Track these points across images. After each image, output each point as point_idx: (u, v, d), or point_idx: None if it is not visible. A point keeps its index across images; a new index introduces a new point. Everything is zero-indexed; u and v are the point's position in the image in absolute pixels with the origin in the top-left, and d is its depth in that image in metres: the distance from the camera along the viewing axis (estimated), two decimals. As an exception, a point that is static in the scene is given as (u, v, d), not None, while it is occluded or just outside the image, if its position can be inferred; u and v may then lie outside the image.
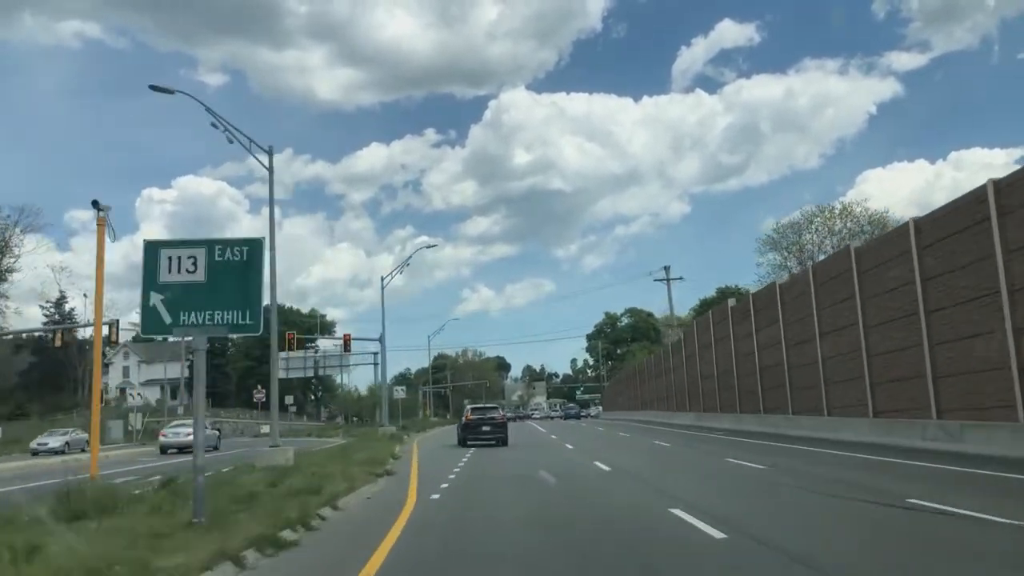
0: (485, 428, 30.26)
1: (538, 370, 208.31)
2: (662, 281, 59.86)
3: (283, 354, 67.01)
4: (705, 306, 68.89)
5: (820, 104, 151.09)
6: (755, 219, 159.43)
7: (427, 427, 59.89)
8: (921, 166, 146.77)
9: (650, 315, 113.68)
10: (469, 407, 34.24)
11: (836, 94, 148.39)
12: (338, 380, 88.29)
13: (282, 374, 65.37)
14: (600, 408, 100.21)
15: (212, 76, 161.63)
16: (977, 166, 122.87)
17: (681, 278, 73.85)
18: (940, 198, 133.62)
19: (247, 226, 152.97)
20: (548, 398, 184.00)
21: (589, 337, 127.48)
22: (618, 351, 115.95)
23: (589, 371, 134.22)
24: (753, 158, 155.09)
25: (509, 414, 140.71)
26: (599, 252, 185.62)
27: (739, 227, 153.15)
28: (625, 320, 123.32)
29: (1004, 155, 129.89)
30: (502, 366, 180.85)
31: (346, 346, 49.83)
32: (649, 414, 58.82)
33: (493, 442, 29.33)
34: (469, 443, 29.28)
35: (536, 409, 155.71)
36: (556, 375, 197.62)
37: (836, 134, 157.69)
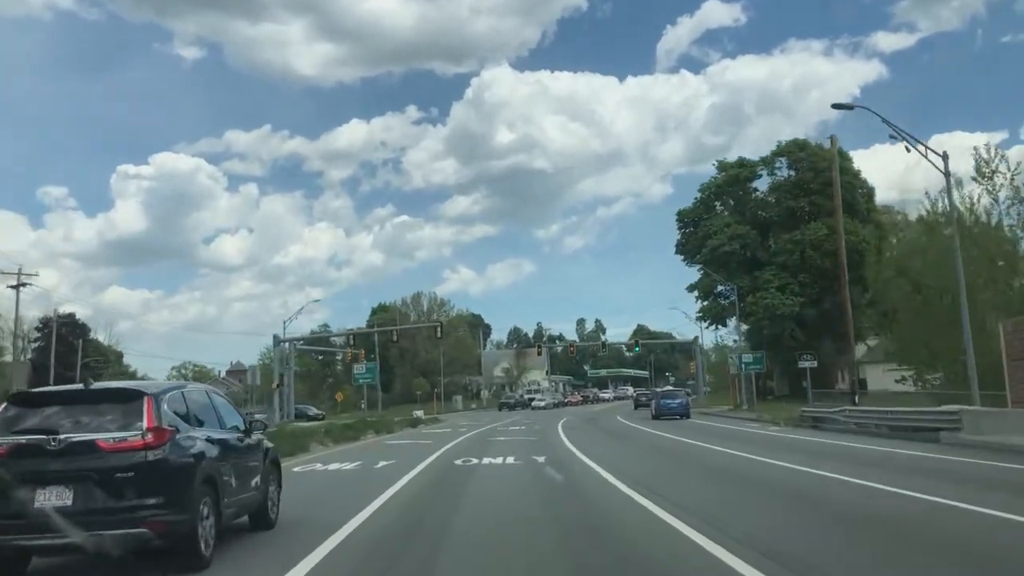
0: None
1: (531, 336, 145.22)
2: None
3: None
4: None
5: (805, 85, 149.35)
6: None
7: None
8: (902, 149, 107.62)
9: (841, 151, 47.21)
10: None
11: (821, 75, 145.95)
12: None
13: None
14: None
15: (187, 50, 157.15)
16: (959, 150, 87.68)
17: None
18: (919, 181, 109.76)
19: (225, 204, 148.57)
20: (549, 375, 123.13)
21: (681, 218, 56.20)
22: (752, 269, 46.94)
23: (689, 312, 61.56)
24: (736, 139, 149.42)
25: (508, 398, 71.69)
26: (580, 233, 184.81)
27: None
28: (780, 170, 54.01)
29: (985, 138, 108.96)
30: (476, 325, 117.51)
31: None
32: None
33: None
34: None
35: (535, 391, 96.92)
36: (559, 338, 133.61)
37: (820, 116, 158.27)
